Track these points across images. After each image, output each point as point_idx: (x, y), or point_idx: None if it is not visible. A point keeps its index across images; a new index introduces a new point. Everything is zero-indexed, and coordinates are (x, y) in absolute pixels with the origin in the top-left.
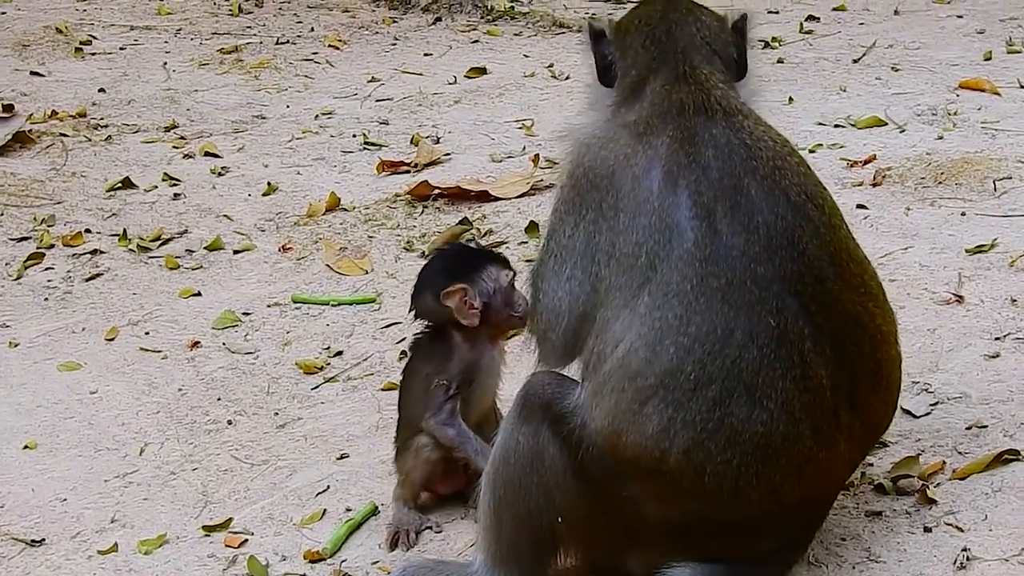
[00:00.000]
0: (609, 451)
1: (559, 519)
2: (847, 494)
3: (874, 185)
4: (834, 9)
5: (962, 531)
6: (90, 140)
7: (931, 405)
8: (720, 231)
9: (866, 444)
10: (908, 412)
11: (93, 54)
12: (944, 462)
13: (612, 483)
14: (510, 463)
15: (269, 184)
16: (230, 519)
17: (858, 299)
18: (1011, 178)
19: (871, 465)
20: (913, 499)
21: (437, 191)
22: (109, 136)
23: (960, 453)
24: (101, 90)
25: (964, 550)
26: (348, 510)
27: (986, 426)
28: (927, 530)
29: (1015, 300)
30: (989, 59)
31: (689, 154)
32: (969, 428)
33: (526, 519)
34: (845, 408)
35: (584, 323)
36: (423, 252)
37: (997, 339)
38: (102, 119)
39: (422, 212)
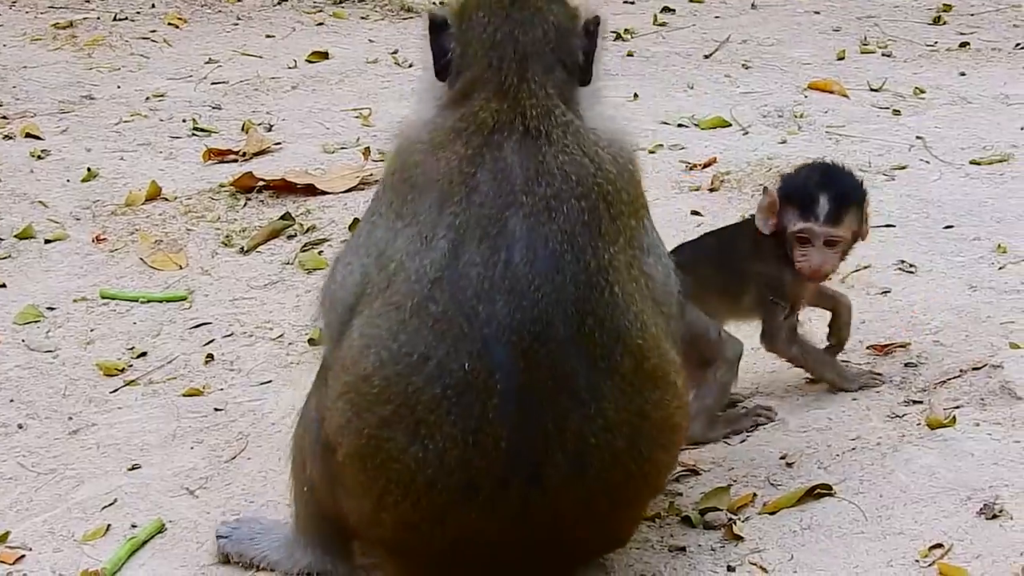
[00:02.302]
0: (319, 429)
1: (305, 488)
2: (652, 526)
3: (711, 190)
4: (691, 0)
5: (766, 571)
6: None
7: (748, 430)
8: (460, 258)
9: (569, 532)
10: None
11: None
12: (755, 494)
13: (323, 460)
14: (298, 428)
15: (89, 170)
16: (8, 532)
17: (588, 372)
18: None
19: (680, 495)
20: (719, 534)
21: (261, 183)
22: None
23: (773, 484)
24: None
25: None
26: (133, 526)
27: (801, 456)
28: (730, 569)
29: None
30: (842, 59)
31: (464, 174)
32: (783, 457)
33: (301, 488)
34: (521, 483)
35: (349, 315)
36: (242, 248)
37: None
38: None
39: (245, 205)
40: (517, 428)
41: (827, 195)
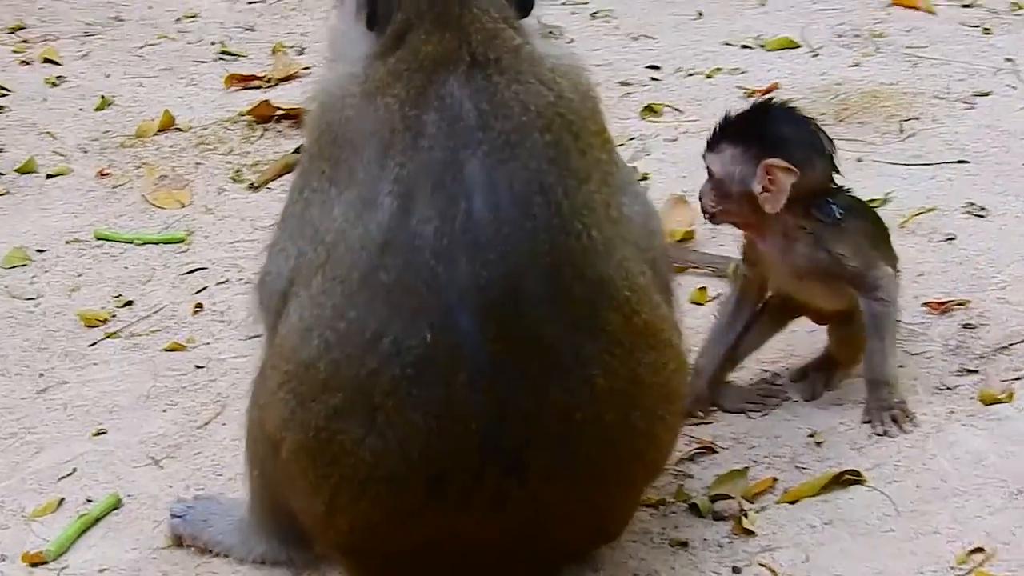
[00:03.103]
0: (260, 424)
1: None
2: (655, 514)
3: None
4: None
5: (775, 574)
6: None
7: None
8: (412, 215)
9: (555, 525)
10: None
11: None
12: (775, 479)
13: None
14: (248, 408)
15: (103, 98)
16: None
17: (570, 335)
18: (919, 118)
19: (691, 477)
20: (729, 527)
21: (280, 112)
22: None
23: (797, 467)
24: None
25: None
26: (88, 501)
27: (831, 435)
28: (736, 571)
29: (897, 271)
30: None
31: (407, 118)
32: (812, 435)
33: (252, 470)
34: (498, 471)
35: (282, 302)
36: (251, 184)
37: None
38: None
39: (261, 136)
40: (490, 408)
41: (724, 121)
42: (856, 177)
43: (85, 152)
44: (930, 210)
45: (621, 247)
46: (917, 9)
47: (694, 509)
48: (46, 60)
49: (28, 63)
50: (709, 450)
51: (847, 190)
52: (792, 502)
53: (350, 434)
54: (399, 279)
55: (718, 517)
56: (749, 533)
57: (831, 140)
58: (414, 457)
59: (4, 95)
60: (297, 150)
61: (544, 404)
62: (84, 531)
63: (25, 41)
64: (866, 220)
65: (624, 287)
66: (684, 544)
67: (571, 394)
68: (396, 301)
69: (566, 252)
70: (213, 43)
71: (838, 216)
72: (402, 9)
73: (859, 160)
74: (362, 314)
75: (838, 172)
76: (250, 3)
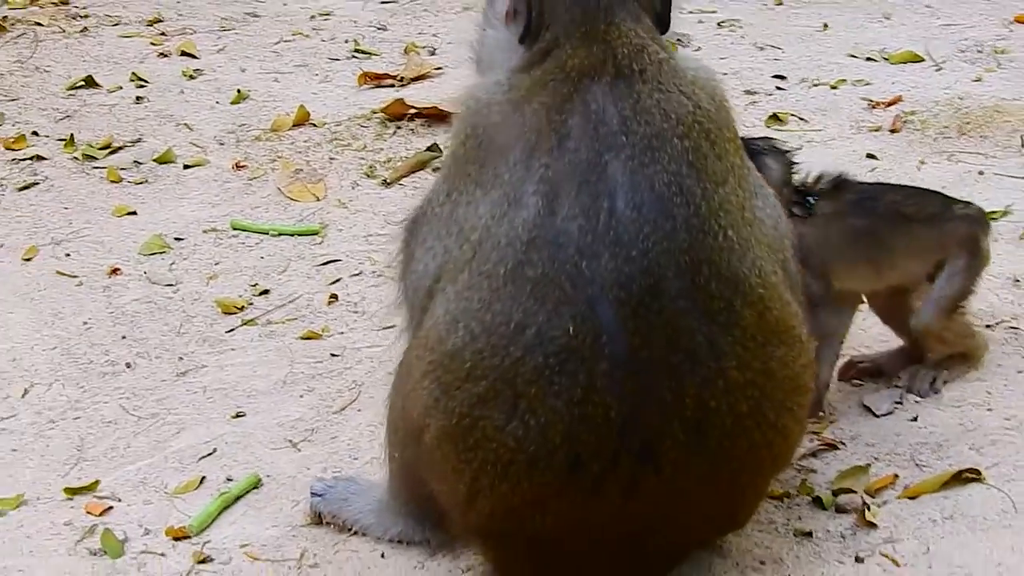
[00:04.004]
0: (402, 412)
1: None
2: (780, 506)
3: (892, 131)
4: None
5: (898, 565)
6: (64, 31)
7: (895, 403)
8: (556, 213)
9: (684, 513)
10: (868, 409)
11: None
12: (896, 475)
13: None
14: (390, 395)
15: (239, 92)
16: (97, 481)
17: (706, 328)
18: None
19: (814, 472)
20: (852, 519)
21: (413, 111)
22: (85, 28)
23: (917, 465)
24: None
25: None
26: (229, 480)
27: (951, 435)
28: (859, 560)
29: (1018, 280)
30: None
31: (553, 123)
32: (932, 435)
33: (392, 454)
34: (633, 458)
35: (428, 299)
36: (384, 180)
37: (988, 326)
38: (84, 8)
39: (394, 133)
40: (628, 396)
41: None
42: (977, 189)
43: (221, 144)
44: None
45: (755, 247)
46: None
47: (817, 502)
48: (183, 53)
49: (166, 56)
50: (831, 447)
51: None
52: (912, 497)
53: (493, 420)
54: (544, 273)
55: (840, 510)
56: (871, 525)
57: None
58: (554, 442)
59: (142, 86)
60: (430, 148)
61: (680, 394)
62: (225, 508)
63: (163, 34)
64: (867, 218)
65: (757, 284)
66: (808, 534)
67: (706, 385)
68: (541, 294)
69: (704, 250)
70: (347, 41)
71: (808, 208)
72: (552, 27)
73: (980, 173)
74: (507, 306)
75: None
76: (383, 2)
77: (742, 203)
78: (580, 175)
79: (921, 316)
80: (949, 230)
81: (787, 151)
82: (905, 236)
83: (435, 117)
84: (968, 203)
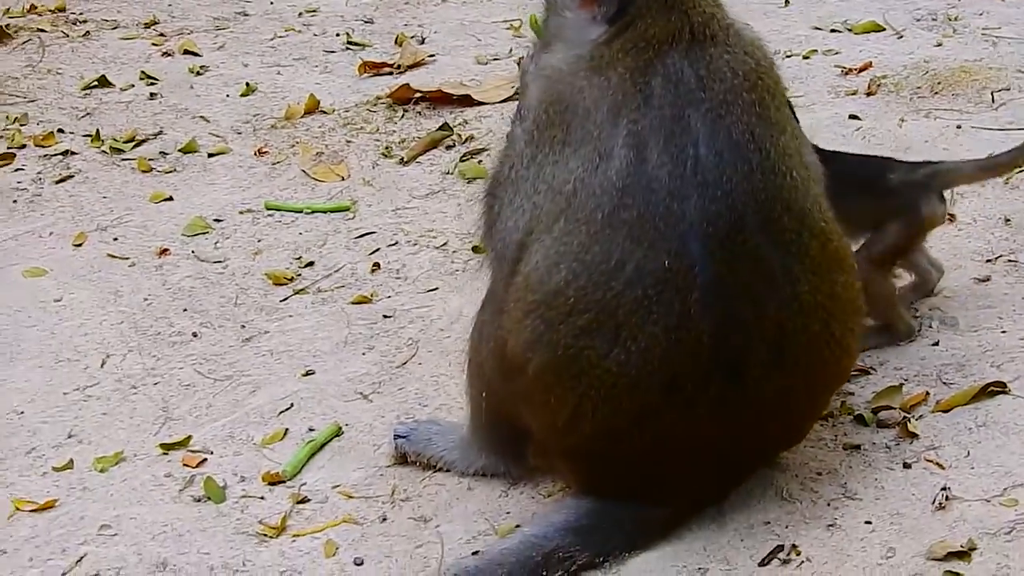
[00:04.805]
0: (499, 351)
1: (483, 393)
2: (825, 424)
3: (868, 94)
4: None
5: (943, 468)
6: (67, 36)
7: (916, 332)
8: (647, 161)
9: (762, 426)
10: None
11: None
12: (928, 393)
13: (506, 379)
14: (473, 339)
15: (248, 85)
16: (189, 437)
17: (781, 257)
18: (1009, 89)
19: (851, 395)
20: (893, 432)
21: (418, 95)
22: (87, 32)
23: (945, 383)
24: None
25: (944, 489)
26: (311, 430)
27: (972, 356)
28: (906, 466)
29: (1008, 220)
30: None
31: (637, 84)
32: (955, 357)
33: (477, 394)
34: (722, 376)
35: (520, 251)
36: (401, 159)
37: (988, 261)
38: (81, 14)
39: (402, 116)
40: (718, 321)
41: None
42: (958, 142)
43: (239, 133)
44: None
45: (812, 186)
46: None
47: (859, 419)
48: (186, 51)
49: (169, 54)
50: (864, 372)
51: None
52: (946, 411)
53: (596, 349)
54: (639, 215)
55: (882, 425)
56: (913, 435)
57: None
58: (653, 365)
59: (153, 83)
60: (441, 128)
61: (762, 316)
62: (313, 454)
63: (162, 35)
64: None
65: (819, 219)
66: (856, 447)
67: (783, 308)
68: (636, 234)
69: (776, 189)
70: (337, 34)
71: None
72: (635, 3)
73: (958, 127)
74: (606, 247)
75: None
76: None
77: (799, 148)
78: (666, 128)
79: None
80: (884, 200)
81: None
82: (842, 206)
83: (439, 99)
84: (918, 166)
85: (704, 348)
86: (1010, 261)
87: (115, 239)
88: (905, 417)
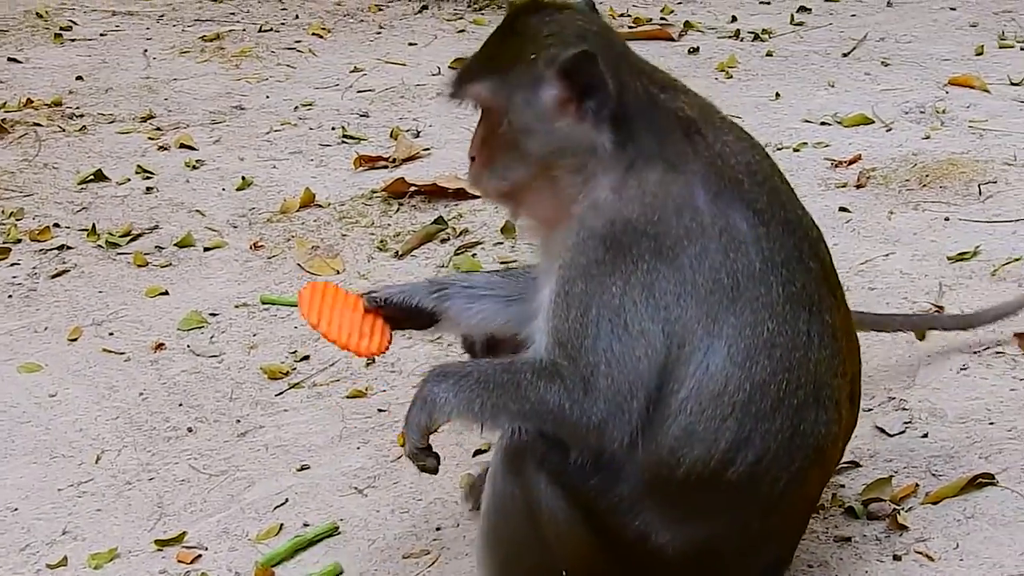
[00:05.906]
0: (651, 476)
1: (564, 570)
2: (817, 518)
3: (858, 187)
4: (827, 0)
5: (932, 560)
6: (64, 130)
7: (905, 423)
8: (777, 236)
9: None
10: (882, 430)
11: (73, 40)
12: (917, 485)
13: (621, 516)
14: (507, 519)
15: (244, 178)
16: (184, 533)
17: (843, 305)
18: (996, 182)
19: (842, 487)
20: (884, 524)
21: (413, 188)
22: (84, 126)
23: (934, 475)
24: (79, 78)
25: None
26: (306, 525)
27: (960, 447)
28: (896, 558)
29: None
30: (981, 54)
31: (720, 170)
32: (944, 448)
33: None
34: (847, 406)
35: (663, 372)
36: (397, 252)
37: (976, 353)
38: (78, 108)
39: (397, 210)
40: (849, 358)
41: None
42: (946, 234)
43: (235, 227)
44: (1017, 259)
45: None
46: (972, 88)
47: (850, 512)
48: (182, 145)
49: (165, 148)
50: (854, 464)
51: None
52: (935, 502)
53: (807, 419)
54: (803, 286)
55: (872, 517)
56: (903, 528)
57: None
58: (842, 412)
59: (149, 177)
60: (436, 221)
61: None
62: (299, 550)
63: (158, 129)
64: None
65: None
66: (847, 539)
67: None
68: (805, 302)
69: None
70: (333, 128)
71: None
72: (623, 92)
73: (946, 219)
74: (792, 323)
75: None
76: (359, 92)
77: None
78: (774, 200)
79: None
80: None
81: None
82: None
83: (434, 193)
84: None
85: (849, 386)
86: (997, 353)
87: (110, 334)
88: (895, 509)
